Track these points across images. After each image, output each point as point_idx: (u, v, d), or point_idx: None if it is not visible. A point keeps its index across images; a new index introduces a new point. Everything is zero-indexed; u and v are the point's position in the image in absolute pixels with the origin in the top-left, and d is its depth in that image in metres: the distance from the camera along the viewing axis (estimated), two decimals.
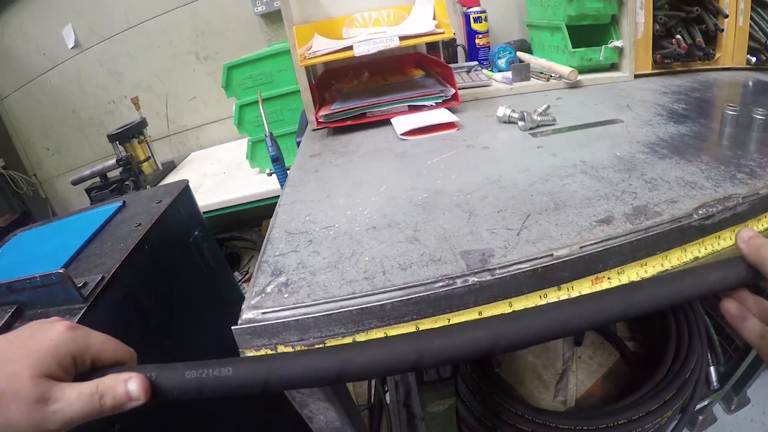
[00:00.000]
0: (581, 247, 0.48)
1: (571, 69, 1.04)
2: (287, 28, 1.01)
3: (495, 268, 0.47)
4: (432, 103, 0.95)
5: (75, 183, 1.73)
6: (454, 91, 0.95)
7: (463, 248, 0.51)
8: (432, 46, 1.26)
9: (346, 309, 0.44)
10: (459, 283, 0.46)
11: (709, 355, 1.19)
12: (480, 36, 1.25)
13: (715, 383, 1.15)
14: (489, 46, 1.27)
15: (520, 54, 1.22)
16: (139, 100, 1.73)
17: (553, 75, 1.09)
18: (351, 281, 0.47)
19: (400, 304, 0.44)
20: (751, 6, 1.07)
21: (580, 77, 1.08)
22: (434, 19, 0.99)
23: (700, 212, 0.51)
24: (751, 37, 1.10)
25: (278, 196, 1.43)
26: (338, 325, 0.45)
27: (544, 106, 0.87)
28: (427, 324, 0.46)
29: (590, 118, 0.85)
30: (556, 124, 0.83)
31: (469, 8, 1.25)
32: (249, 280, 1.78)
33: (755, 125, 0.70)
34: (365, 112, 0.98)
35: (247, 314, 0.44)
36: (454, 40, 1.26)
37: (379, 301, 0.44)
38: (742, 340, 1.16)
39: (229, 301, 1.21)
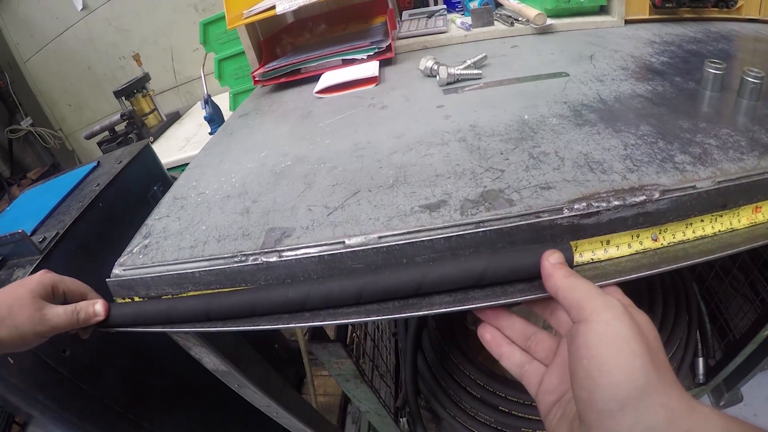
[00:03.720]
0: (380, 237, 0.41)
1: (538, 12, 0.90)
2: None
3: (284, 250, 0.43)
4: (363, 56, 0.86)
5: (88, 137, 1.82)
6: (389, 41, 0.86)
7: (275, 224, 0.48)
8: None
9: (168, 273, 0.46)
10: (250, 260, 0.44)
11: (699, 345, 1.05)
12: None
13: (701, 377, 1.02)
14: None
15: None
16: (140, 57, 1.76)
17: (520, 19, 0.94)
18: (181, 248, 0.48)
19: (205, 274, 0.45)
20: None
21: (552, 21, 0.93)
22: None
23: (576, 207, 0.39)
24: None
25: None
26: (166, 286, 0.47)
27: (478, 57, 0.76)
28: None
29: (532, 70, 0.73)
30: (482, 78, 0.72)
31: None
32: None
33: (746, 90, 0.54)
34: (300, 68, 0.91)
35: (115, 270, 0.49)
36: None
37: (190, 269, 0.46)
38: (738, 331, 1.00)
39: None
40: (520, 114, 0.59)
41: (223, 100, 1.56)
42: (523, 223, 0.39)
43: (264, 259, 0.43)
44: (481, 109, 0.62)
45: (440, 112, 0.63)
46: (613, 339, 0.29)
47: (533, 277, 0.37)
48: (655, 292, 1.06)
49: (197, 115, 1.90)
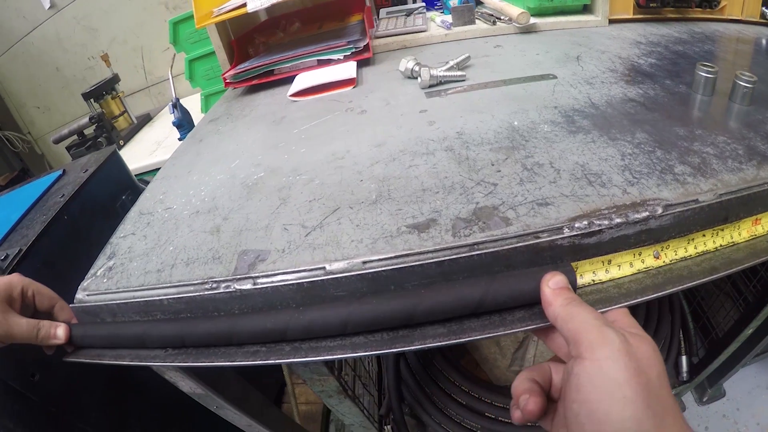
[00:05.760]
0: (364, 263, 0.38)
1: (522, 11, 0.87)
2: None
3: (259, 276, 0.40)
4: (340, 56, 0.82)
5: (56, 142, 1.73)
6: (366, 41, 0.82)
7: (248, 246, 0.44)
8: None
9: (134, 300, 0.43)
10: (222, 288, 0.40)
11: (682, 343, 1.05)
12: None
13: (684, 374, 1.02)
14: None
15: None
16: (108, 57, 1.69)
17: (502, 18, 0.92)
18: (148, 272, 0.45)
19: (173, 302, 0.42)
20: None
21: (536, 21, 0.90)
22: None
23: (577, 226, 0.36)
24: None
25: None
26: (133, 313, 0.44)
27: (461, 57, 0.73)
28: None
29: (518, 72, 0.71)
30: (466, 80, 0.69)
31: None
32: None
33: (738, 94, 0.52)
34: (273, 69, 0.87)
35: (78, 294, 0.46)
36: None
37: (157, 296, 0.42)
38: (720, 329, 1.00)
39: None
40: (510, 120, 0.56)
41: (194, 102, 1.51)
42: (521, 244, 0.36)
43: (237, 287, 0.39)
44: (467, 115, 0.59)
45: (423, 117, 0.60)
46: (605, 383, 0.27)
47: (534, 303, 0.35)
48: None
49: (169, 117, 1.83)
